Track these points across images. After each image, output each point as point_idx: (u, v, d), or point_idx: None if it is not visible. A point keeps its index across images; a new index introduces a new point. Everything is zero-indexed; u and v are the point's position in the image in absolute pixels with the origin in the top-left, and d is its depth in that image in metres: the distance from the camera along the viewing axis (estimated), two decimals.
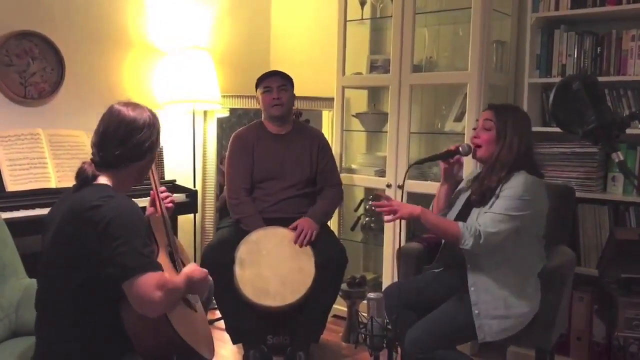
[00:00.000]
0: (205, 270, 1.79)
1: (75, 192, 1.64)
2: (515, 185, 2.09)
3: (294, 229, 2.73)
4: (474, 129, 2.29)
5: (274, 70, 3.00)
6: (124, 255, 1.49)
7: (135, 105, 1.72)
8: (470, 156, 2.33)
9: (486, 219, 2.07)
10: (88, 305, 1.59)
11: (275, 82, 2.89)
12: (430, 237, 2.59)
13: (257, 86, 2.96)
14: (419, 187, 2.98)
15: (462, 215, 2.27)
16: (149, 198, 2.02)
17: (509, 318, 2.09)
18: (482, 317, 2.08)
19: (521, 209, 2.06)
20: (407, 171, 2.34)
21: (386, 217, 2.26)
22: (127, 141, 1.66)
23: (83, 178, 1.64)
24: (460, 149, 2.30)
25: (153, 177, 1.96)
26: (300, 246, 2.69)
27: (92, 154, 1.70)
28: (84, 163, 1.68)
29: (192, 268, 1.75)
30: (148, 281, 1.49)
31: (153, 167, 1.93)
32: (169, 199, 2.04)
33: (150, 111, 1.74)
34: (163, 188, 2.05)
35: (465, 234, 2.04)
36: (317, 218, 2.79)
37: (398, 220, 2.96)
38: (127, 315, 1.57)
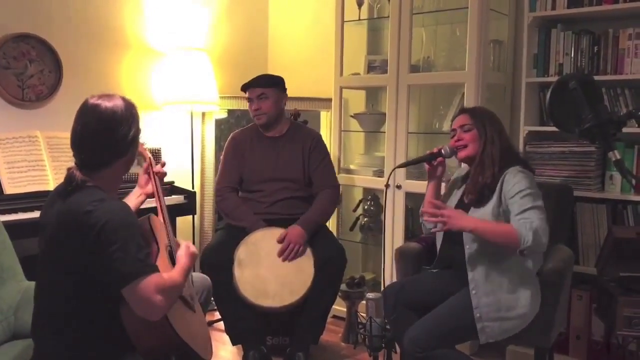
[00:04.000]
0: (191, 247, 1.78)
1: (66, 196, 1.59)
2: (518, 181, 2.09)
3: (282, 240, 2.70)
4: (453, 136, 2.31)
5: (253, 79, 2.92)
6: (120, 262, 1.48)
7: (109, 97, 1.62)
8: (455, 158, 2.35)
9: (533, 214, 2.02)
10: (86, 307, 1.59)
11: (254, 93, 2.87)
12: (429, 237, 2.59)
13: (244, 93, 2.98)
14: (417, 187, 2.98)
15: None
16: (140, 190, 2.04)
17: (511, 319, 2.09)
18: (484, 319, 2.08)
19: (539, 199, 2.07)
20: (390, 173, 2.36)
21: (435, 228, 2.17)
22: (110, 139, 1.59)
23: (74, 185, 1.58)
24: (443, 151, 2.33)
25: (152, 174, 1.98)
26: (284, 260, 2.67)
27: (74, 155, 1.62)
28: (71, 169, 1.62)
29: (184, 252, 1.75)
30: (147, 286, 1.48)
31: (152, 163, 1.96)
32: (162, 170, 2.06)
33: (125, 99, 1.66)
34: (162, 164, 2.07)
35: (522, 231, 1.99)
36: (308, 227, 2.74)
37: (397, 220, 3.01)
38: (127, 316, 1.57)
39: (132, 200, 2.04)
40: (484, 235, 2.04)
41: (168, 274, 1.62)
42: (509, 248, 2.05)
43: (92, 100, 1.62)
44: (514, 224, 2.02)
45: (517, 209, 2.05)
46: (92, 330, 1.59)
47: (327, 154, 3.00)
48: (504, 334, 2.10)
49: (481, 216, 2.12)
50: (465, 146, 2.25)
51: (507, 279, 2.10)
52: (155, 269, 1.55)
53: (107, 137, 1.60)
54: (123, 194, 2.07)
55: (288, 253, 2.68)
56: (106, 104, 1.60)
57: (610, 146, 1.83)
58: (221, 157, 3.01)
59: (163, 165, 2.10)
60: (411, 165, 2.64)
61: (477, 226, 2.04)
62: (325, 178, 2.91)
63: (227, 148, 2.98)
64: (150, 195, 2.05)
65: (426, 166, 2.43)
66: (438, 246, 2.37)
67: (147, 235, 1.78)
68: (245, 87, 2.93)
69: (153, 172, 2.02)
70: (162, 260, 1.72)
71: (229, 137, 3.03)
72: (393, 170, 2.52)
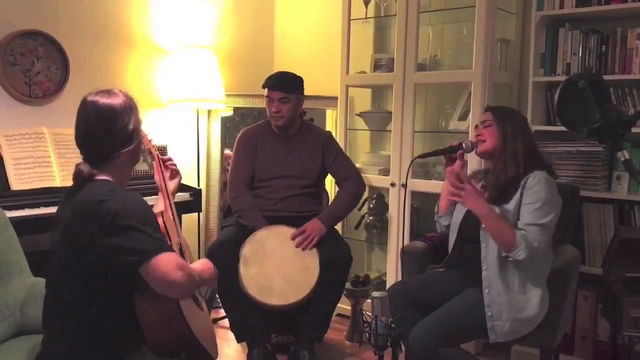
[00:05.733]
0: (212, 266, 1.79)
1: (77, 190, 1.63)
2: (538, 190, 2.08)
3: (302, 232, 2.71)
4: (476, 134, 2.30)
5: (277, 80, 2.88)
6: (137, 241, 1.49)
7: (107, 92, 1.67)
8: (474, 154, 2.34)
9: (535, 233, 2.04)
10: (95, 303, 1.59)
11: (276, 95, 2.84)
12: (435, 236, 2.59)
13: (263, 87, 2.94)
14: (422, 186, 2.98)
15: (470, 215, 2.25)
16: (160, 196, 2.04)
17: (521, 321, 2.09)
18: (495, 319, 2.08)
19: (551, 214, 2.07)
20: (410, 165, 2.35)
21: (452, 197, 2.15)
22: (111, 131, 1.64)
23: (82, 179, 1.63)
24: (464, 144, 2.31)
25: (161, 172, 1.99)
26: (298, 247, 2.68)
27: (81, 152, 1.67)
28: (78, 164, 1.66)
29: (203, 265, 1.76)
30: (167, 261, 1.49)
31: (161, 160, 1.96)
32: (178, 174, 2.10)
33: (122, 92, 1.70)
34: (167, 157, 2.09)
35: (521, 245, 2.01)
36: (326, 220, 2.77)
37: (402, 219, 3.01)
38: (143, 309, 1.58)
39: (162, 203, 2.04)
40: (487, 226, 2.08)
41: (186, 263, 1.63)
42: (499, 246, 2.08)
43: (91, 97, 1.66)
44: (517, 233, 2.04)
45: (525, 219, 2.07)
46: (101, 327, 1.60)
47: (341, 148, 3.06)
48: (513, 334, 2.10)
49: (502, 214, 2.11)
50: (484, 141, 2.25)
51: (519, 279, 2.10)
52: (172, 249, 1.57)
53: (109, 130, 1.64)
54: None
55: (302, 239, 2.68)
56: (104, 99, 1.65)
57: (619, 146, 1.83)
58: (232, 153, 3.01)
59: (167, 160, 2.10)
60: (430, 159, 2.62)
61: (486, 214, 2.06)
62: (346, 169, 2.96)
63: (239, 144, 2.98)
64: (174, 192, 2.09)
65: (444, 160, 2.42)
66: (450, 244, 2.36)
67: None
68: (267, 86, 2.87)
69: (162, 169, 2.03)
70: None
71: (240, 134, 3.02)
72: (413, 160, 2.48)
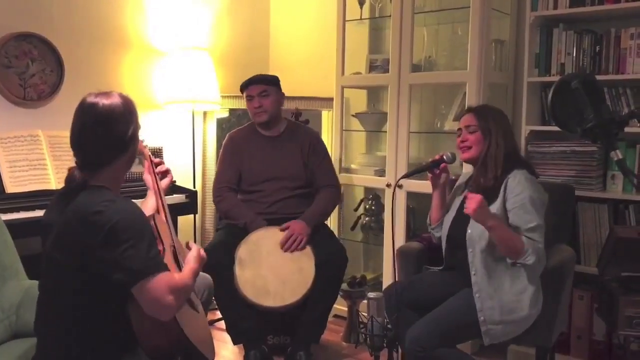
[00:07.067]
0: (202, 251, 1.76)
1: (72, 197, 1.58)
2: (522, 190, 2.08)
3: (285, 229, 2.71)
4: (458, 136, 2.29)
5: (254, 77, 2.92)
6: (131, 259, 1.46)
7: (107, 94, 1.61)
8: (457, 161, 2.35)
9: (537, 235, 2.04)
10: (90, 307, 1.58)
11: (256, 90, 2.86)
12: (430, 237, 2.59)
13: (241, 92, 2.96)
14: (418, 187, 2.98)
15: (459, 219, 2.26)
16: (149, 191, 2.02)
17: (514, 322, 2.09)
18: (488, 323, 2.08)
19: (541, 211, 2.07)
20: (395, 185, 2.38)
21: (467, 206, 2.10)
22: (109, 137, 1.58)
23: (75, 185, 1.59)
24: (445, 157, 2.32)
25: (154, 173, 1.98)
26: (285, 251, 2.67)
27: (74, 155, 1.61)
28: (71, 169, 1.61)
29: (195, 254, 1.73)
30: (159, 285, 1.47)
31: (153, 161, 1.95)
32: (169, 174, 2.08)
33: (122, 96, 1.63)
34: (158, 160, 2.06)
35: (529, 250, 2.02)
36: (310, 220, 2.77)
37: (398, 219, 3.01)
38: (136, 314, 1.56)
39: (150, 202, 2.02)
40: (496, 238, 2.05)
41: (178, 275, 1.61)
42: (507, 254, 2.08)
43: (90, 99, 1.61)
44: (524, 239, 2.03)
45: (524, 224, 2.06)
46: (95, 330, 1.59)
47: (327, 154, 3.02)
48: (507, 335, 2.11)
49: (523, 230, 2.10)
50: (469, 147, 2.24)
51: (510, 281, 2.10)
52: (166, 268, 1.54)
53: (106, 135, 1.58)
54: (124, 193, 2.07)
55: (290, 243, 2.68)
56: (104, 101, 1.59)
57: (613, 146, 1.83)
58: (219, 156, 3.01)
59: (159, 163, 2.09)
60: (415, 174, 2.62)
61: (493, 226, 2.02)
62: (325, 178, 2.93)
63: (225, 147, 2.98)
64: (164, 191, 2.07)
65: (429, 175, 2.42)
66: (444, 251, 2.36)
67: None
68: (245, 85, 2.92)
69: (154, 171, 2.02)
70: (167, 261, 1.71)
71: (227, 137, 3.02)
72: (397, 181, 2.55)
